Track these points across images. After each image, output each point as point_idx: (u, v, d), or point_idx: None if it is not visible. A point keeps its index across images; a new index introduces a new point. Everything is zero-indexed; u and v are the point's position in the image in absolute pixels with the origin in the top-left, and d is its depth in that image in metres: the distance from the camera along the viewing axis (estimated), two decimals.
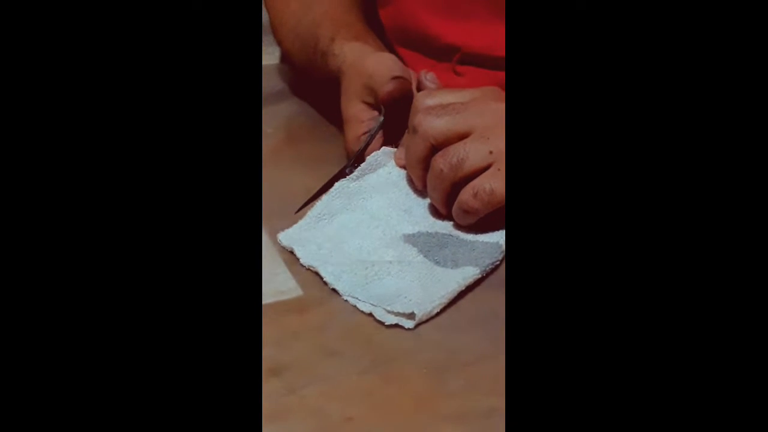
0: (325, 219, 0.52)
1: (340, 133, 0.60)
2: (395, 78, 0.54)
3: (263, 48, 0.83)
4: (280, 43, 0.74)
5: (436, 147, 0.48)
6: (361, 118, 0.57)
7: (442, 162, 0.48)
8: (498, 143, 0.47)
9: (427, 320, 0.43)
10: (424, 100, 0.51)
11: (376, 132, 0.56)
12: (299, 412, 0.37)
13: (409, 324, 0.42)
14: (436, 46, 0.66)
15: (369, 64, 0.56)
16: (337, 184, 0.54)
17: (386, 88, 0.54)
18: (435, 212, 0.51)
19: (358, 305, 0.44)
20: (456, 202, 0.48)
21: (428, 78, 0.56)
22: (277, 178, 0.54)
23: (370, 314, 0.43)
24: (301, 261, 0.48)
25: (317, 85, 0.70)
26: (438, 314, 0.43)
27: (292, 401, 0.38)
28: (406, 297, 0.44)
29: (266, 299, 0.44)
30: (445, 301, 0.43)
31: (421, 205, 0.52)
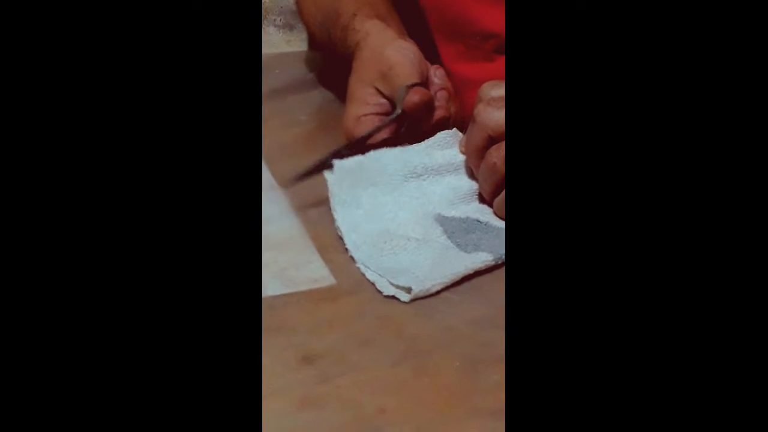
0: (377, 174, 0.53)
1: None
2: (417, 87, 0.55)
3: (295, 33, 0.84)
4: (303, 18, 0.74)
5: (494, 138, 0.48)
6: (367, 101, 0.57)
7: (496, 155, 0.48)
8: None
9: (430, 295, 0.44)
10: (488, 91, 0.50)
11: (388, 124, 0.56)
12: (332, 401, 0.37)
13: (405, 297, 0.43)
14: (471, 31, 0.66)
15: (391, 53, 0.57)
16: (401, 150, 0.55)
17: (412, 99, 0.54)
18: (480, 199, 0.52)
19: (366, 274, 0.46)
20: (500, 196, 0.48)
21: (437, 75, 0.57)
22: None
23: (373, 283, 0.45)
24: (335, 216, 0.50)
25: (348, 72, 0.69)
26: (449, 292, 0.45)
27: (325, 390, 0.38)
28: (413, 273, 0.45)
29: (300, 287, 0.45)
30: (447, 281, 0.44)
31: (469, 190, 0.52)
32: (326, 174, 0.52)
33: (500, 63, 0.64)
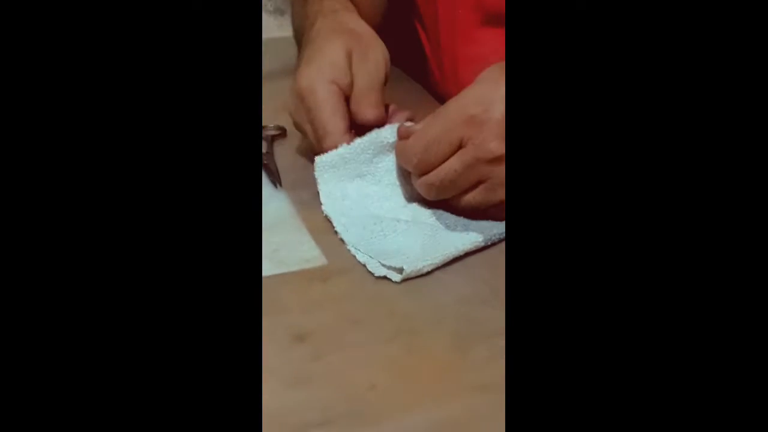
0: (364, 161, 0.52)
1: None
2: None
3: (286, 18, 0.84)
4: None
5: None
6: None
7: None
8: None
9: (421, 275, 0.44)
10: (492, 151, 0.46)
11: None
12: (324, 378, 0.37)
13: (396, 277, 0.44)
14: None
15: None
16: (387, 133, 0.52)
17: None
18: None
19: (357, 256, 0.46)
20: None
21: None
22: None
23: (364, 264, 0.45)
24: (323, 207, 0.50)
25: None
26: (440, 272, 0.45)
27: (316, 367, 0.38)
28: (403, 254, 0.45)
29: (291, 267, 0.46)
30: (438, 261, 0.45)
31: None
32: (315, 172, 0.52)
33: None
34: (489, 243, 0.46)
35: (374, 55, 0.54)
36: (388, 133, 0.51)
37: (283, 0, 0.86)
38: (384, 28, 0.72)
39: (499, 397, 0.35)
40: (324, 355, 0.39)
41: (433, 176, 0.46)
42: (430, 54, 0.68)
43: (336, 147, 0.51)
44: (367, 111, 0.50)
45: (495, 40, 0.61)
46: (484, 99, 0.45)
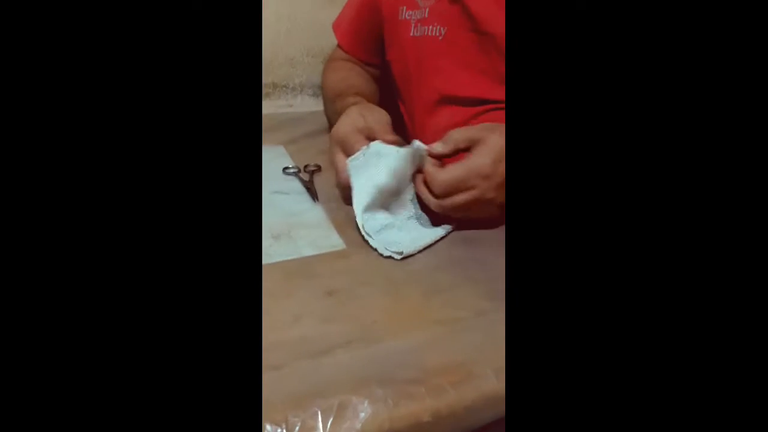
0: (379, 166, 0.48)
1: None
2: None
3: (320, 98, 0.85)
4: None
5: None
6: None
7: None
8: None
9: (410, 256, 0.45)
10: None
11: None
12: (344, 318, 0.38)
13: (398, 257, 0.45)
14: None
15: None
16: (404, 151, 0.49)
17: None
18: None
19: (369, 242, 0.46)
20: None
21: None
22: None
23: (375, 249, 0.46)
24: (354, 200, 0.48)
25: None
26: (420, 253, 0.46)
27: (340, 312, 0.39)
28: (400, 243, 0.47)
29: (323, 250, 0.46)
30: (421, 246, 0.46)
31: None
32: (348, 168, 0.49)
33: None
34: (446, 235, 0.49)
35: (378, 109, 0.53)
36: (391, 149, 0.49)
37: (319, 88, 0.87)
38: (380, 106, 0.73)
39: (450, 329, 0.38)
40: (345, 304, 0.39)
41: (447, 202, 0.46)
42: (407, 121, 0.68)
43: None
44: (387, 137, 0.49)
45: (449, 113, 0.60)
46: (493, 161, 0.45)
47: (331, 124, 0.64)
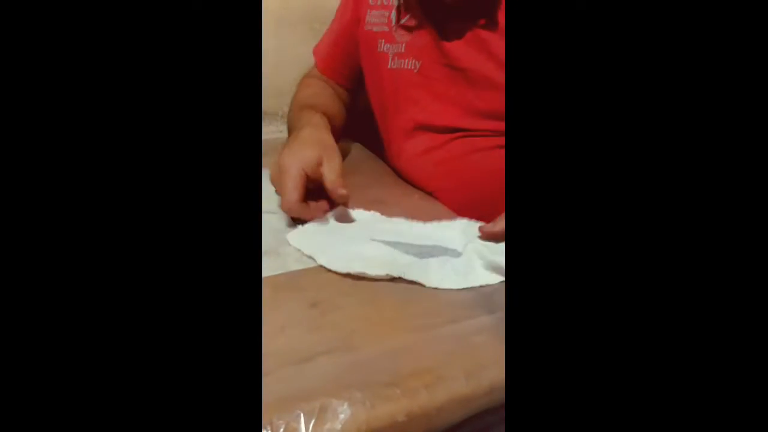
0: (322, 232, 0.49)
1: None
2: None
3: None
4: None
5: None
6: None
7: None
8: None
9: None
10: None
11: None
12: (327, 327, 0.38)
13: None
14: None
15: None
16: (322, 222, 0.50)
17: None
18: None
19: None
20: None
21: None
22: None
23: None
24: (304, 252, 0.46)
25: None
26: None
27: (323, 321, 0.39)
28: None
29: (308, 266, 0.45)
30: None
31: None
32: (288, 236, 0.47)
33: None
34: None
35: (336, 159, 0.51)
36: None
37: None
38: (363, 132, 0.72)
39: (423, 336, 0.38)
40: (327, 314, 0.40)
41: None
42: (385, 145, 0.68)
43: (289, 208, 0.48)
44: (340, 189, 0.48)
45: (423, 139, 0.61)
46: None
47: (290, 129, 0.63)
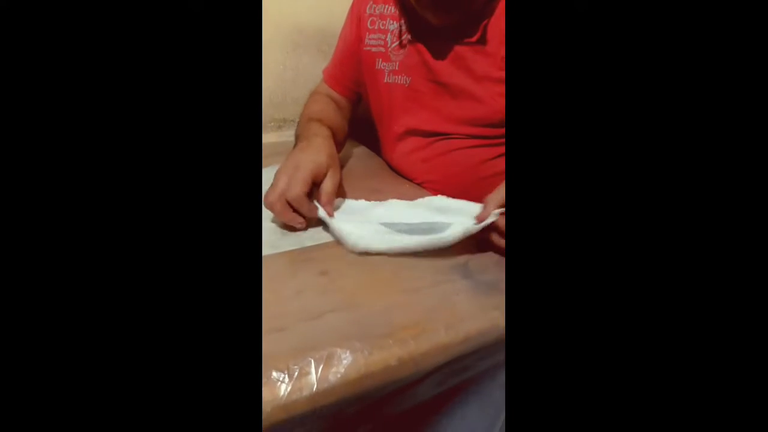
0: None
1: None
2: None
3: None
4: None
5: None
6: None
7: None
8: None
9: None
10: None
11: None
12: (334, 291, 0.37)
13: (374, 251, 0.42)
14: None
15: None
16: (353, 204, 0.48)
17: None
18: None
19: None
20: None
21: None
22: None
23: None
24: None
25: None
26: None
27: (332, 287, 0.38)
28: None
29: (319, 242, 0.44)
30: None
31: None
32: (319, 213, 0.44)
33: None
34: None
35: (338, 175, 0.48)
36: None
37: (281, 120, 0.83)
38: (365, 135, 0.71)
39: (412, 296, 0.37)
40: (334, 280, 0.39)
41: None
42: (382, 146, 0.67)
43: (293, 198, 0.43)
44: (328, 206, 0.45)
45: (411, 142, 0.59)
46: None
47: (298, 137, 0.57)
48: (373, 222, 0.45)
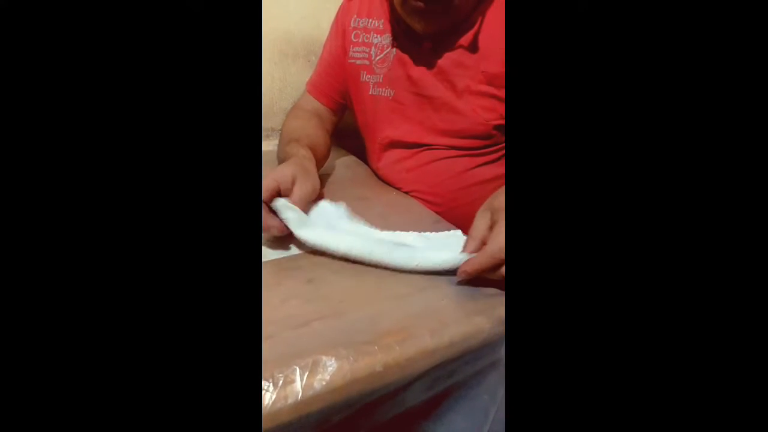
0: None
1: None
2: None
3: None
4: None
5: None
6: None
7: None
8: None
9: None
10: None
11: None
12: (321, 299, 0.37)
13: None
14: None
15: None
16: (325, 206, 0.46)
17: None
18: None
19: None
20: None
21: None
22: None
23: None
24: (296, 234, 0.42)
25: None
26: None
27: (317, 294, 0.38)
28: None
29: (304, 249, 0.43)
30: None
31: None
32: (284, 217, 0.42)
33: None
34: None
35: (309, 183, 0.45)
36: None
37: (269, 129, 0.81)
38: (353, 145, 0.71)
39: (397, 302, 0.37)
40: (320, 288, 0.38)
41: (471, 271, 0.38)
42: (369, 156, 0.68)
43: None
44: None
45: (396, 152, 0.60)
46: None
47: (279, 163, 0.56)
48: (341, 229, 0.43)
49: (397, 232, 0.45)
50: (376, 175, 0.65)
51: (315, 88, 0.68)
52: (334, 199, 0.48)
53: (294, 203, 0.43)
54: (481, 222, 0.38)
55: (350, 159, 0.73)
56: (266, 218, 0.42)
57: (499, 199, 0.39)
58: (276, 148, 0.69)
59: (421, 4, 0.48)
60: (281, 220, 0.42)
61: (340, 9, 0.64)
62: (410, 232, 0.45)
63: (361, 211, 0.48)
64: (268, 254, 0.43)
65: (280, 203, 0.43)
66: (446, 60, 0.53)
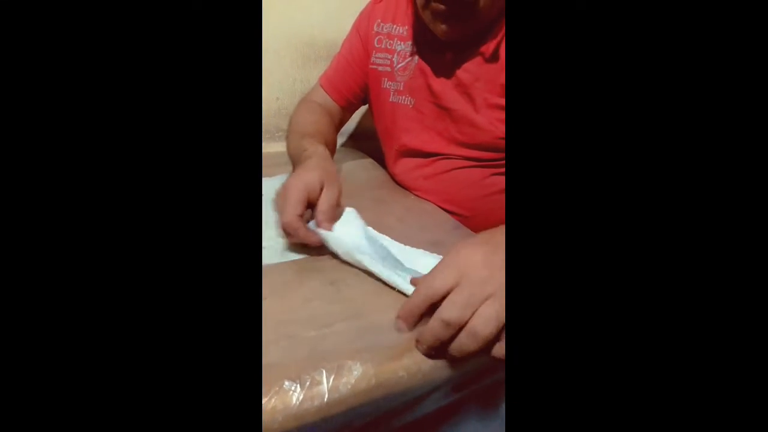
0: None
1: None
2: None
3: None
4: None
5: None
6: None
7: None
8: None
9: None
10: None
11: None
12: (342, 301, 0.37)
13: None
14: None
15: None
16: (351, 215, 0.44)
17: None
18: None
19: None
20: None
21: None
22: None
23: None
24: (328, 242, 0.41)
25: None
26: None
27: (339, 296, 0.37)
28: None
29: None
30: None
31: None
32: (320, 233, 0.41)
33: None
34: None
35: (336, 188, 0.44)
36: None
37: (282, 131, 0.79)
38: (371, 149, 0.71)
39: (389, 316, 0.34)
40: (342, 290, 0.38)
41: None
42: (386, 161, 0.67)
43: (287, 222, 0.40)
44: (326, 223, 0.42)
45: (413, 161, 0.60)
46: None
47: (292, 156, 0.54)
48: (359, 235, 0.42)
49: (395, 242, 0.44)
50: (394, 180, 0.64)
51: (329, 83, 0.67)
52: (352, 200, 0.47)
53: (323, 210, 0.42)
54: (438, 280, 0.29)
55: (368, 161, 0.73)
56: (305, 235, 0.40)
57: (473, 258, 0.29)
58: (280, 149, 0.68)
59: (442, 6, 0.47)
60: (314, 232, 0.42)
61: (364, 10, 0.63)
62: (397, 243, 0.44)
63: (380, 214, 0.49)
64: (289, 255, 0.43)
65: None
66: (466, 72, 0.53)
